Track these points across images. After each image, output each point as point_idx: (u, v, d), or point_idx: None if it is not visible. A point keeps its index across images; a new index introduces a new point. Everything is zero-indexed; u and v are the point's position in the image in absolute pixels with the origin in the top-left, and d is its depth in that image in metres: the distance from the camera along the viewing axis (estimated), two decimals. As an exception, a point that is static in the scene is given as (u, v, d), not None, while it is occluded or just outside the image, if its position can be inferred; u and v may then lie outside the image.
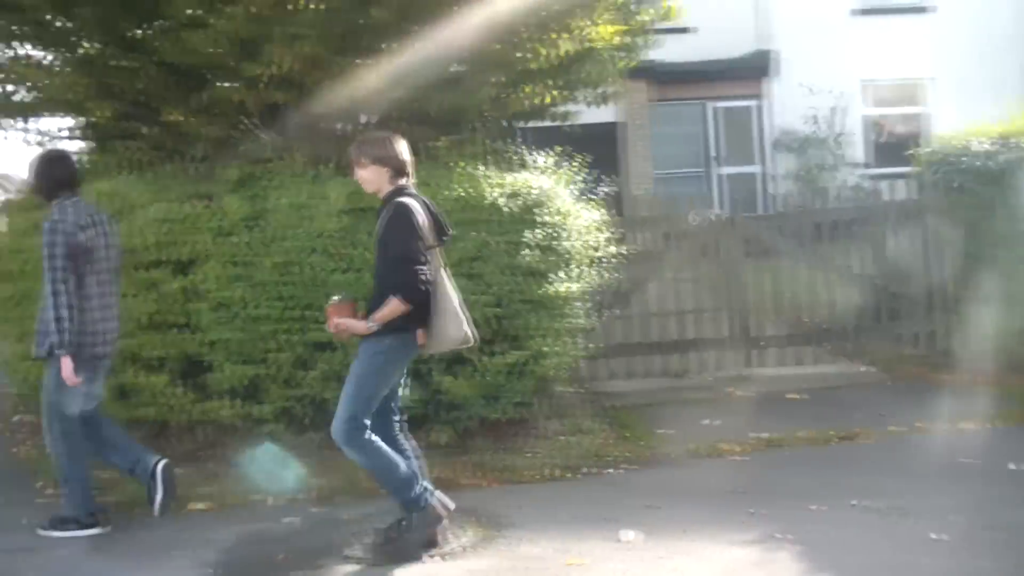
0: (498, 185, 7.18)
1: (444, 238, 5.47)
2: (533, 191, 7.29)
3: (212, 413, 7.09)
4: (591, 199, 8.05)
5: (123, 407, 7.18)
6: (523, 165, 7.84)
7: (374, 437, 5.34)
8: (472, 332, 5.42)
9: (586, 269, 7.78)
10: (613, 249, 8.11)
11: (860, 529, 5.60)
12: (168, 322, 7.05)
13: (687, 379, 9.32)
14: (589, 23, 8.08)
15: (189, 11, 7.31)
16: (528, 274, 7.12)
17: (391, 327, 5.17)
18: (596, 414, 8.09)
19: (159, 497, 6.03)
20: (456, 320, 5.29)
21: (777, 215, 11.04)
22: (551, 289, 7.15)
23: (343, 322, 5.26)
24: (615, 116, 17.05)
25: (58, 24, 7.49)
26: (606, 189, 8.29)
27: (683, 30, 14.92)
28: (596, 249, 7.91)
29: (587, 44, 8.18)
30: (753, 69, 18.93)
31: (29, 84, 8.29)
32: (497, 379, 7.01)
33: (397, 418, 5.63)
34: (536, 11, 7.61)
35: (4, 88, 8.43)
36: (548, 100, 8.60)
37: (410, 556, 5.34)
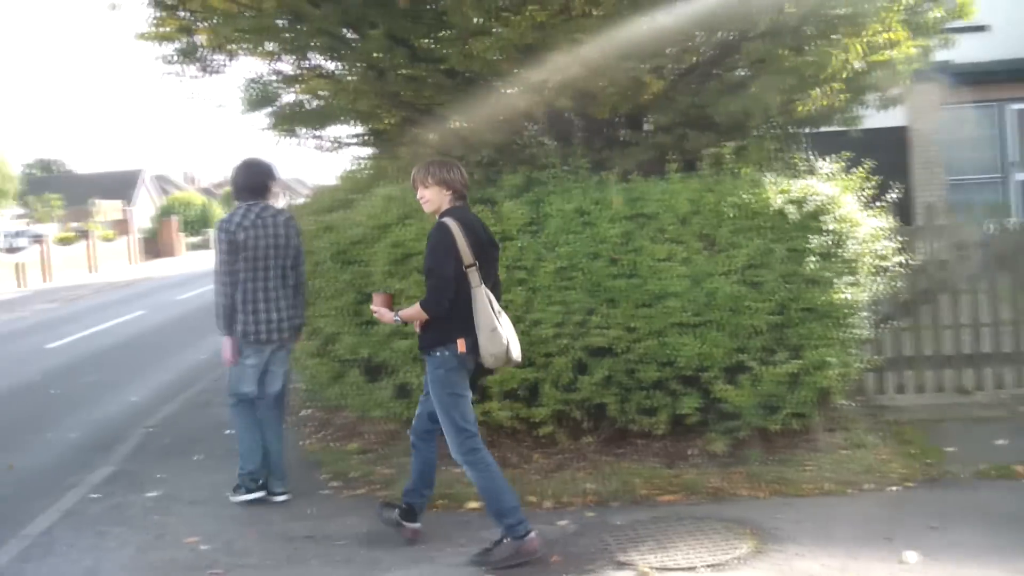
0: (783, 191, 7.06)
1: (491, 253, 5.85)
2: (818, 197, 7.12)
3: (490, 415, 7.26)
4: (877, 206, 7.79)
5: (403, 406, 7.50)
6: (809, 171, 7.68)
7: (489, 459, 5.72)
8: (515, 352, 5.68)
9: (871, 278, 7.54)
10: (900, 258, 7.81)
11: None
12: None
13: (980, 396, 8.82)
14: (880, 27, 7.82)
15: (475, 20, 7.54)
16: (811, 282, 6.96)
17: (435, 341, 5.66)
18: (878, 428, 7.80)
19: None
20: (493, 337, 5.53)
21: (1083, 224, 10.29)
22: (834, 297, 6.96)
23: (378, 310, 5.89)
24: (904, 120, 16.37)
25: (349, 36, 7.83)
26: (893, 196, 7.98)
27: (978, 28, 14.14)
28: (882, 257, 7.65)
29: (878, 49, 7.92)
30: (1056, 68, 17.70)
31: (320, 94, 8.74)
32: (776, 389, 6.89)
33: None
34: (826, 16, 7.42)
35: (297, 98, 8.95)
36: (835, 105, 8.37)
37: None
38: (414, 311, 5.68)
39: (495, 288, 5.80)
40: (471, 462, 5.66)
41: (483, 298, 5.56)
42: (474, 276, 5.56)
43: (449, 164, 5.92)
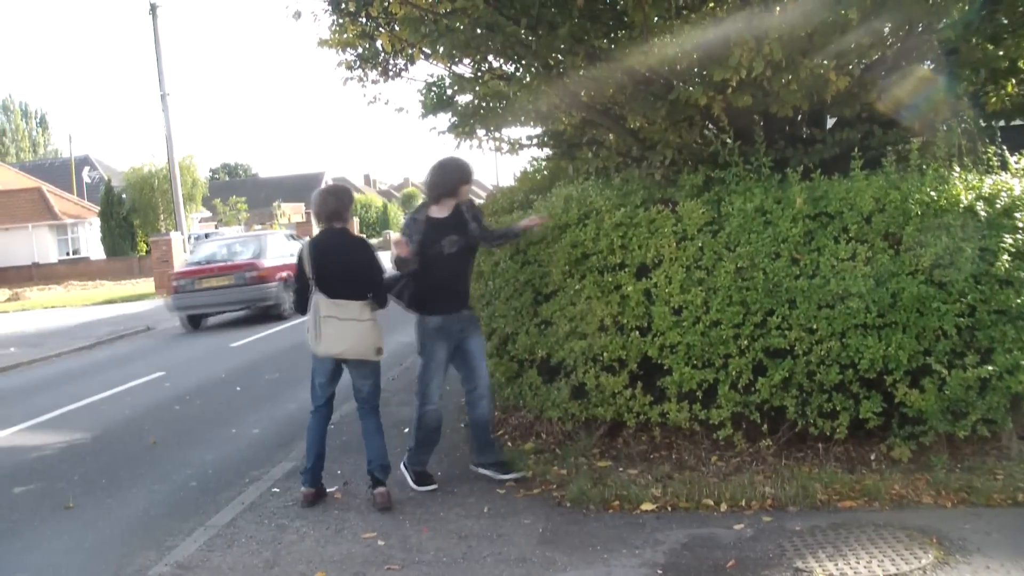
0: (973, 187, 6.79)
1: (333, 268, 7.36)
2: (1011, 193, 6.82)
3: (668, 416, 7.23)
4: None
5: (579, 406, 7.54)
6: (1002, 166, 7.36)
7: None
8: (322, 347, 7.39)
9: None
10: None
11: None
12: (628, 325, 7.25)
13: None
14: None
15: (655, 18, 7.49)
16: (1003, 282, 6.67)
17: None
18: (1075, 437, 7.44)
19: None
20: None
21: None
22: (1029, 299, 6.66)
23: None
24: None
25: (530, 39, 7.89)
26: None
27: None
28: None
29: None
30: None
31: (500, 95, 8.83)
32: (964, 393, 6.63)
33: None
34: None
35: (476, 100, 9.05)
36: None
37: None
38: None
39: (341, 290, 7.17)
40: None
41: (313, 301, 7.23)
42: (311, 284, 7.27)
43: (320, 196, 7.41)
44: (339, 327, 7.14)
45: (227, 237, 28.63)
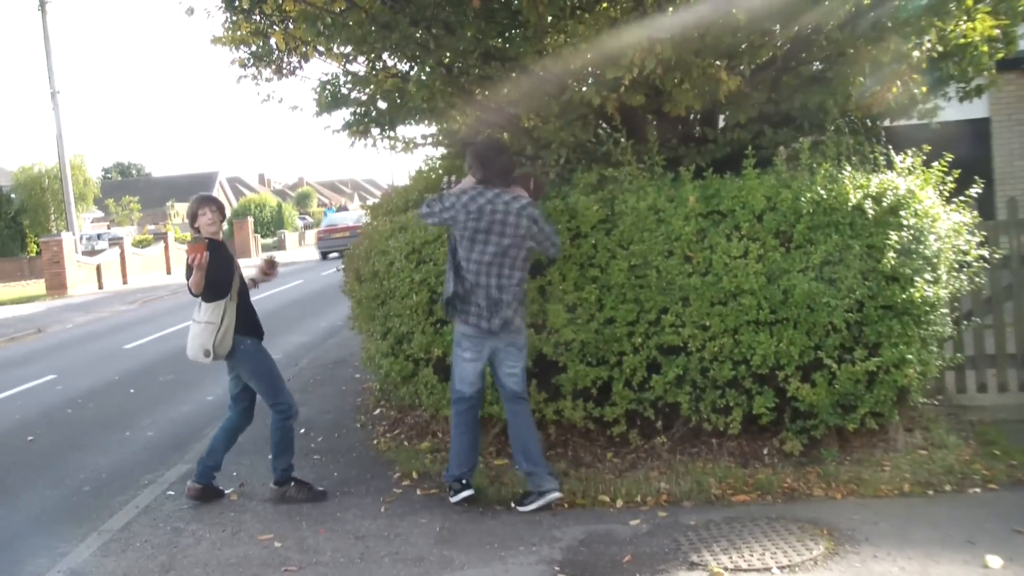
0: (861, 186, 6.94)
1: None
2: (897, 192, 6.98)
3: (563, 414, 7.25)
4: (958, 200, 7.62)
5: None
6: (888, 165, 7.54)
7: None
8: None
9: (951, 274, 7.39)
10: (982, 253, 7.64)
11: None
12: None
13: (1066, 396, 8.57)
14: (965, 17, 7.65)
15: (549, 18, 7.51)
16: (889, 278, 6.83)
17: None
18: (959, 428, 7.64)
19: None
20: None
21: None
22: (914, 294, 6.83)
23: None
24: (987, 111, 16.03)
25: (421, 36, 7.85)
26: (974, 190, 7.79)
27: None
28: (963, 253, 7.49)
29: (961, 39, 7.75)
30: None
31: (392, 93, 8.78)
32: (853, 387, 6.78)
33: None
34: (905, 6, 7.27)
35: (370, 99, 8.99)
36: (915, 97, 8.21)
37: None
38: None
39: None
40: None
41: None
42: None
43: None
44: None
45: (340, 215, 53.49)
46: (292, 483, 7.26)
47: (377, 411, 9.64)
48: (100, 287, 37.35)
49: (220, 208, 7.38)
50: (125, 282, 39.11)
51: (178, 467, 8.46)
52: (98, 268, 38.12)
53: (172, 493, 7.69)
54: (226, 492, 7.53)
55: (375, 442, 8.64)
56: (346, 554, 6.09)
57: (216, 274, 7.01)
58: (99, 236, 50.45)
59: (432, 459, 7.70)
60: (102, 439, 10.27)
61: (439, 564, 5.82)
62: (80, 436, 10.54)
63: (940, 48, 7.82)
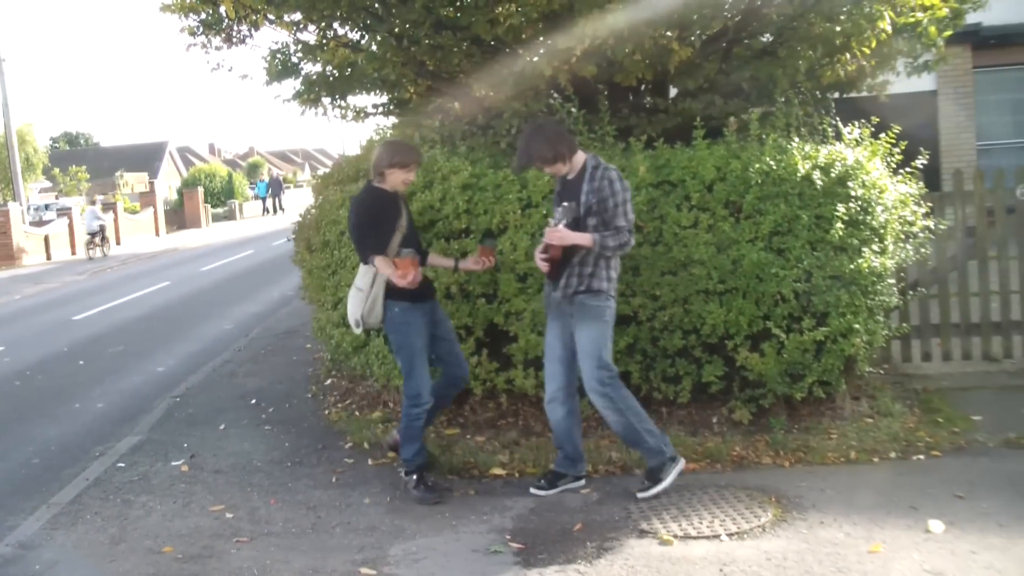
0: (810, 157, 6.99)
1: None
2: (845, 163, 7.05)
3: (514, 383, 7.27)
4: (905, 172, 7.71)
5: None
6: (836, 137, 7.61)
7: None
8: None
9: (898, 244, 7.48)
10: (928, 224, 7.74)
11: None
12: (474, 292, 7.26)
13: (1008, 364, 8.71)
14: None
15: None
16: (837, 248, 6.91)
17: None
18: (904, 397, 7.77)
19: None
20: None
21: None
22: (861, 264, 6.91)
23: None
24: (933, 84, 16.18)
25: (376, 5, 7.77)
26: (921, 161, 7.88)
27: (1009, -11, 13.93)
28: (909, 224, 7.59)
29: (910, 15, 7.81)
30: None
31: (343, 62, 8.70)
32: (801, 356, 6.85)
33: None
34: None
35: (319, 66, 8.92)
36: (864, 70, 8.28)
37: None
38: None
39: None
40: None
41: None
42: None
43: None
44: None
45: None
46: (414, 476, 6.43)
47: (328, 381, 9.61)
48: (48, 258, 36.89)
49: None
50: (74, 253, 38.63)
51: (128, 439, 8.38)
52: (46, 239, 37.62)
53: (123, 465, 7.62)
54: (175, 463, 7.48)
55: (326, 412, 8.62)
56: (298, 524, 6.09)
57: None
58: (47, 206, 49.65)
59: (383, 429, 7.68)
60: (51, 411, 10.17)
61: (391, 533, 5.83)
62: (29, 408, 10.43)
63: (890, 28, 7.88)
